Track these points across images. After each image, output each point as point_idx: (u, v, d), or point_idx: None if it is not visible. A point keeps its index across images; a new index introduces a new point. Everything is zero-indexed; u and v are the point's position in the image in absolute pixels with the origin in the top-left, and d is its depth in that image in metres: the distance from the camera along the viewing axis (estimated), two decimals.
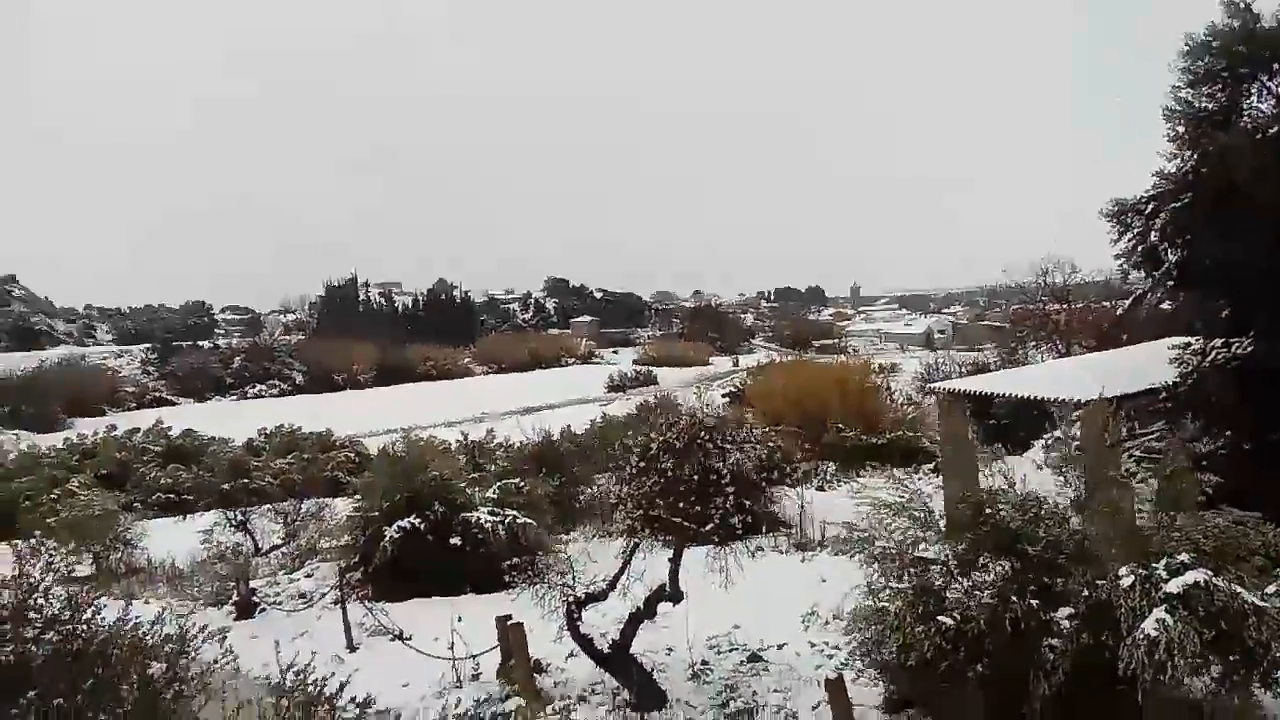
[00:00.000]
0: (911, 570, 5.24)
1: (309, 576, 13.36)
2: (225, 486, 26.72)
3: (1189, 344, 9.14)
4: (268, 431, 36.02)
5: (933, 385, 16.51)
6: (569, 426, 27.74)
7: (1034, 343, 32.76)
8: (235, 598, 11.81)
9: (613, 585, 7.36)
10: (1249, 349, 8.01)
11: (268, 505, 22.07)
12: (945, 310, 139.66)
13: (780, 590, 10.46)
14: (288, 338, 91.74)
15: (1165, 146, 8.91)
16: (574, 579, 7.39)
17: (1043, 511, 5.08)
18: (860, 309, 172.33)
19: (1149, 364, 11.13)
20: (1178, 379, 9.15)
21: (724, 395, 40.72)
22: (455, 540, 11.65)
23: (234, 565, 12.54)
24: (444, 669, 8.30)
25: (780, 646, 8.93)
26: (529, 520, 12.17)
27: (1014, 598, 4.63)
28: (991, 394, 12.74)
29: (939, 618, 4.65)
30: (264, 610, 11.66)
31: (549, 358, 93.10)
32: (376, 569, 11.60)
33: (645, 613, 7.36)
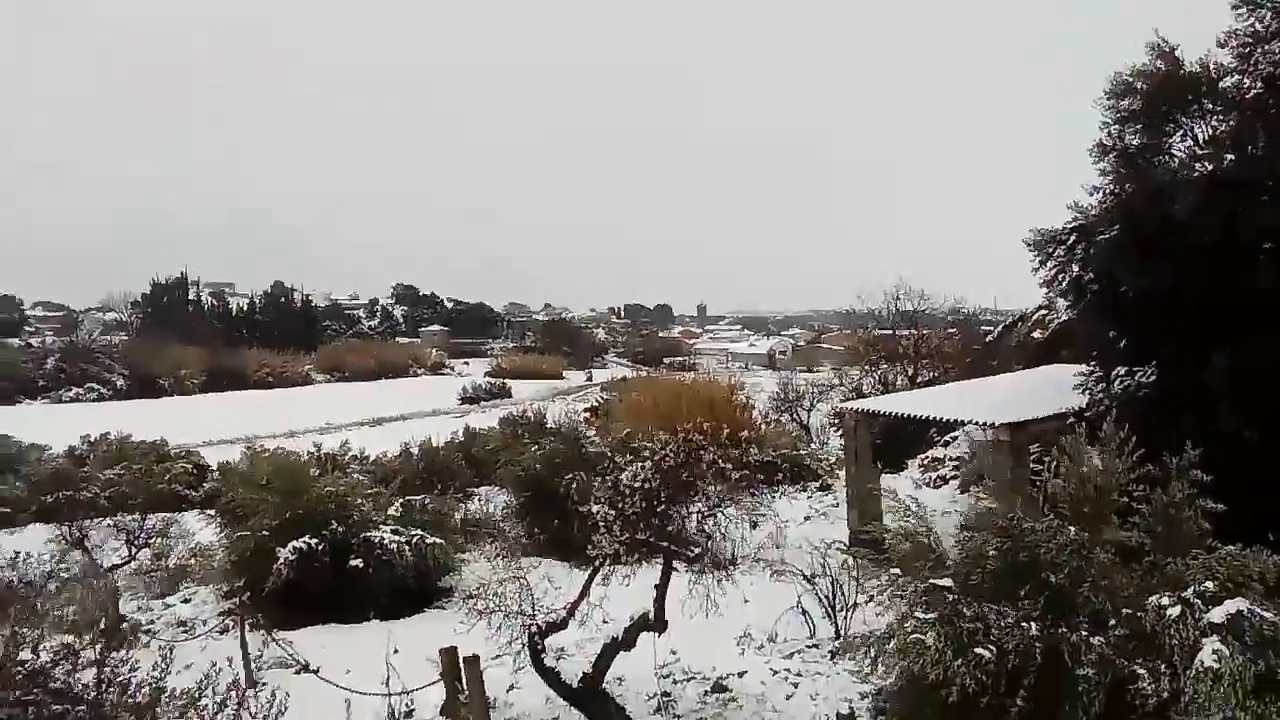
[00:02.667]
0: (926, 599, 5.18)
1: (186, 602, 12.21)
2: (47, 498, 24.37)
3: (1092, 371, 9.82)
4: (92, 439, 33.02)
5: (843, 405, 16.96)
6: (432, 438, 26.97)
7: (885, 366, 34.38)
8: (104, 624, 10.64)
9: (571, 613, 7.00)
10: (1152, 378, 8.69)
11: (103, 520, 20.23)
12: (785, 332, 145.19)
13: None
14: (108, 338, 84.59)
15: (1080, 179, 9.50)
16: (532, 605, 6.98)
17: (1064, 539, 5.14)
18: (706, 328, 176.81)
19: (1044, 390, 11.89)
20: (1084, 406, 9.75)
21: (585, 410, 40.71)
22: (356, 562, 10.90)
23: (100, 588, 11.31)
24: (375, 706, 7.66)
25: (741, 675, 8.68)
26: (438, 540, 11.56)
27: (1058, 628, 4.67)
28: (908, 415, 13.20)
29: (976, 650, 4.61)
30: (140, 639, 10.55)
31: (397, 367, 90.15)
32: (266, 594, 10.67)
33: (624, 644, 7.02)
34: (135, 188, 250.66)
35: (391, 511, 12.15)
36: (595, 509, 6.78)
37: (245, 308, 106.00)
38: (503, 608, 6.87)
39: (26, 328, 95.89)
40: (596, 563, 7.05)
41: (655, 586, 7.19)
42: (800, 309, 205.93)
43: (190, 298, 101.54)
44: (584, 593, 7.05)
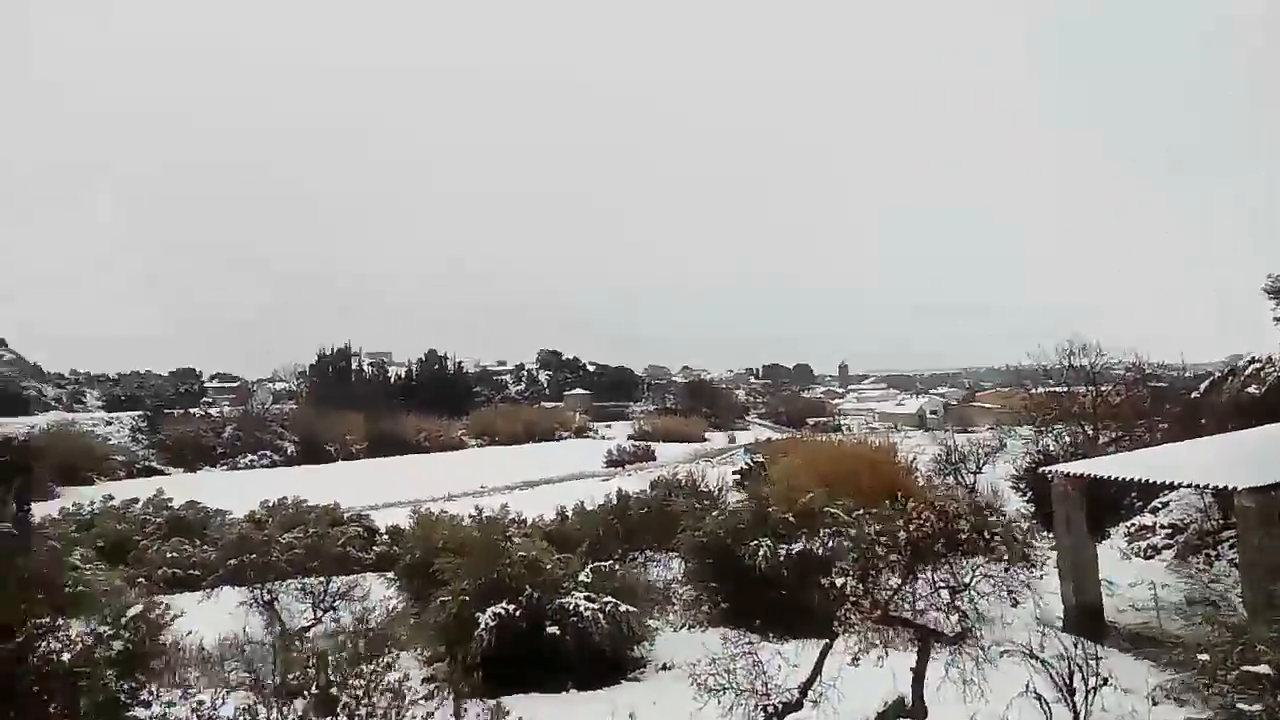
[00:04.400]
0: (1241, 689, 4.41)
1: (389, 668, 12.21)
2: (232, 561, 25.57)
3: None
4: (270, 504, 34.75)
5: (1053, 469, 15.66)
6: (584, 501, 26.92)
7: (1060, 426, 32.16)
8: (315, 690, 10.70)
9: (804, 692, 6.45)
10: None
11: (289, 581, 20.98)
12: (934, 391, 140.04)
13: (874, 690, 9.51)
14: (279, 407, 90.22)
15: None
16: (765, 682, 6.46)
17: None
18: (849, 387, 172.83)
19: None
20: None
21: (734, 473, 39.91)
22: (552, 629, 10.67)
23: (312, 653, 11.45)
24: None
25: None
26: (630, 608, 11.22)
27: None
28: (1137, 480, 12.05)
29: None
30: (346, 704, 10.51)
31: (543, 431, 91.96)
32: (470, 661, 10.52)
33: None
34: (298, 264, 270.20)
35: (582, 578, 11.90)
36: (841, 581, 6.23)
37: (402, 376, 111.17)
38: (733, 685, 6.36)
39: (205, 399, 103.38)
40: (831, 639, 6.46)
41: (912, 669, 6.52)
42: (948, 366, 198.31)
43: (353, 367, 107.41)
44: (816, 670, 6.47)
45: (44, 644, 4.86)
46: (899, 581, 6.24)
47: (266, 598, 18.51)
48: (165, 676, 13.11)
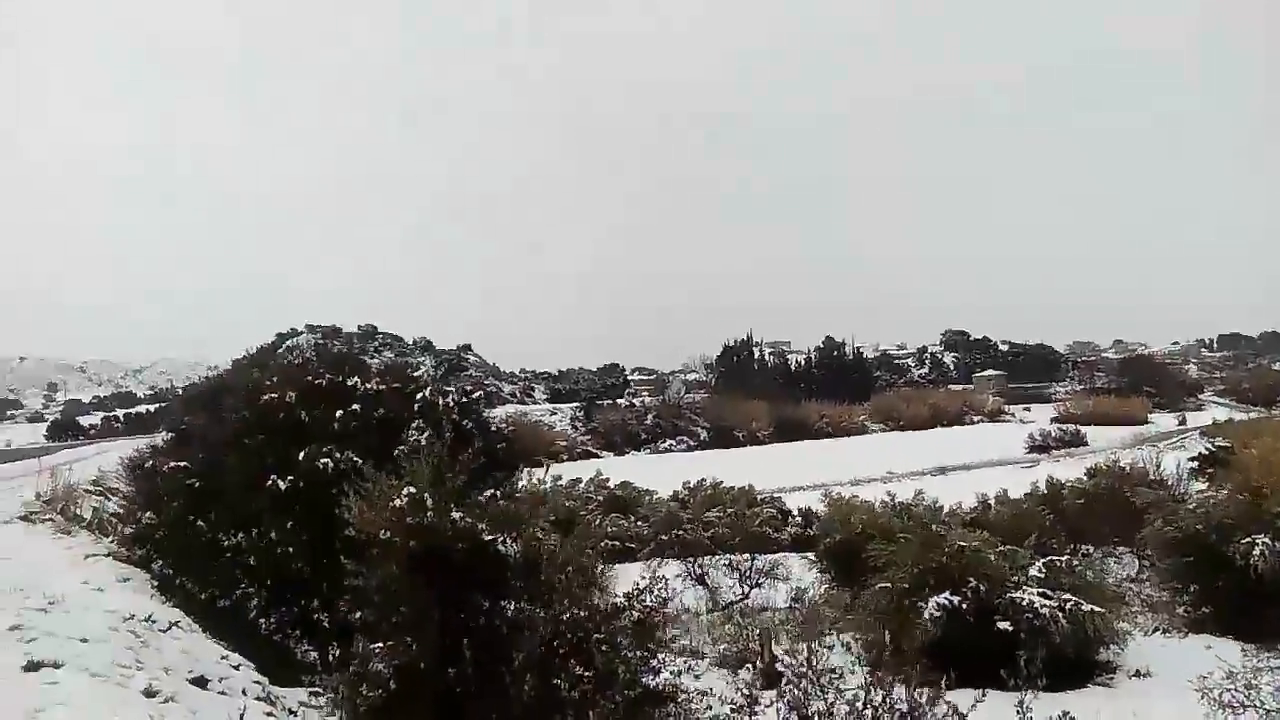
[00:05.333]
0: None
1: (830, 649, 12.36)
2: (663, 537, 27.56)
3: None
4: (690, 485, 36.94)
5: None
6: (1007, 489, 24.88)
7: None
8: (759, 664, 11.09)
9: None
10: None
11: (715, 557, 22.04)
12: None
13: None
14: (690, 396, 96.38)
15: None
16: None
17: None
18: None
19: None
20: None
21: (1191, 460, 34.44)
22: (1004, 625, 9.88)
23: (759, 626, 11.94)
24: None
25: None
26: (1096, 608, 10.01)
27: None
28: None
29: None
30: (789, 682, 10.70)
31: (951, 415, 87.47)
32: (908, 650, 10.12)
33: None
34: (701, 265, 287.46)
35: (1034, 572, 10.83)
36: None
37: (801, 363, 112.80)
38: (1257, 704, 5.23)
39: (628, 390, 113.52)
40: None
41: None
42: None
43: (755, 356, 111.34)
44: None
45: (575, 610, 5.38)
46: None
47: (699, 571, 19.58)
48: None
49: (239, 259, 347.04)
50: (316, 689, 8.61)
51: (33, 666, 5.82)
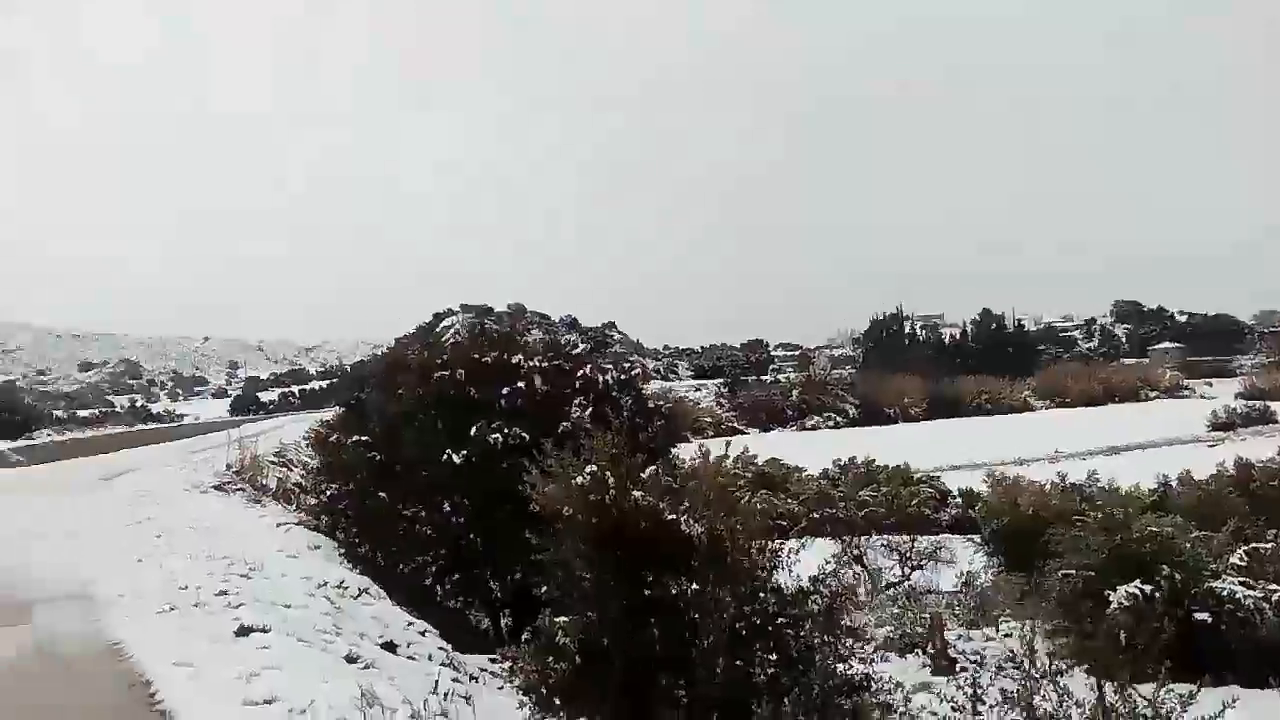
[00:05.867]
0: None
1: (1007, 636, 11.82)
2: (814, 515, 27.16)
3: None
4: (841, 463, 36.22)
5: None
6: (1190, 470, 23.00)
7: None
8: (931, 649, 10.74)
9: None
10: None
11: (872, 537, 21.51)
12: None
13: None
14: (838, 372, 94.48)
15: None
16: None
17: None
18: None
19: None
20: None
21: None
22: (1203, 616, 9.13)
23: (928, 609, 11.59)
24: None
25: None
26: None
27: None
28: None
29: None
30: (963, 670, 10.28)
31: (1124, 390, 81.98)
32: (1095, 639, 9.50)
33: None
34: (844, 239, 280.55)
35: (1235, 560, 9.95)
36: None
37: (956, 337, 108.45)
38: None
39: (772, 366, 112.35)
40: None
41: None
42: None
43: (905, 331, 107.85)
44: None
45: (761, 593, 5.32)
46: None
47: (856, 552, 19.14)
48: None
49: (389, 243, 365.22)
50: (495, 656, 8.90)
51: (243, 631, 6.25)
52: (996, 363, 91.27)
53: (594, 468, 5.49)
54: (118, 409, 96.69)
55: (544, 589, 6.09)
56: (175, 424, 68.89)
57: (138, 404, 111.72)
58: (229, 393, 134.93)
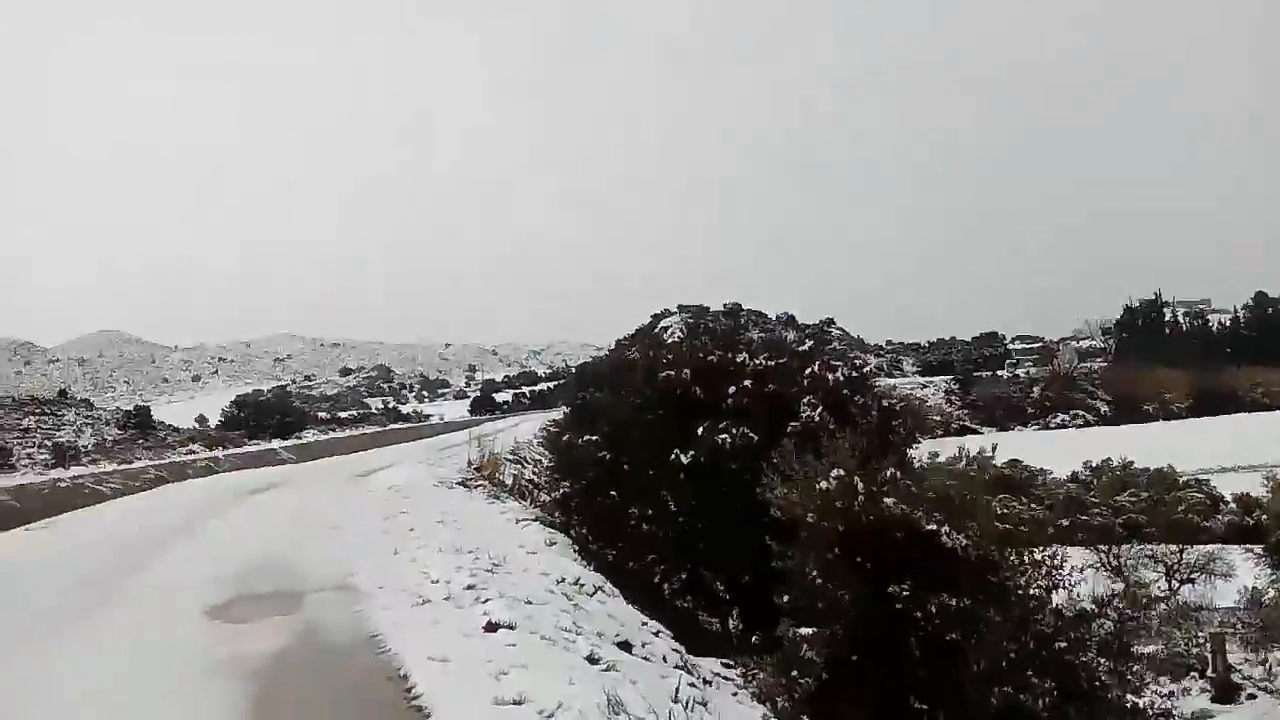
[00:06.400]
0: None
1: None
2: (1064, 521, 25.04)
3: None
4: (1093, 465, 33.23)
5: None
6: None
7: None
8: (1211, 673, 9.52)
9: None
10: None
11: (1131, 547, 19.56)
12: None
13: None
14: (1085, 365, 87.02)
15: None
16: None
17: None
18: None
19: None
20: None
21: None
22: None
23: (1205, 628, 10.31)
24: None
25: None
26: None
27: None
28: None
29: None
30: (1253, 697, 9.02)
31: None
32: None
33: None
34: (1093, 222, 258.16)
35: None
36: None
37: (1225, 324, 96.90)
38: None
39: (1009, 360, 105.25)
40: None
41: None
42: None
43: (1165, 319, 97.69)
44: None
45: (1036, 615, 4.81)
46: None
47: (1113, 562, 17.43)
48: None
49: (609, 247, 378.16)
50: (728, 660, 8.71)
51: (491, 627, 6.38)
52: (1276, 352, 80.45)
53: (840, 472, 5.12)
54: (372, 410, 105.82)
55: (785, 597, 5.79)
56: (421, 423, 74.45)
57: (389, 405, 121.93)
58: (468, 394, 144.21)
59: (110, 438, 35.28)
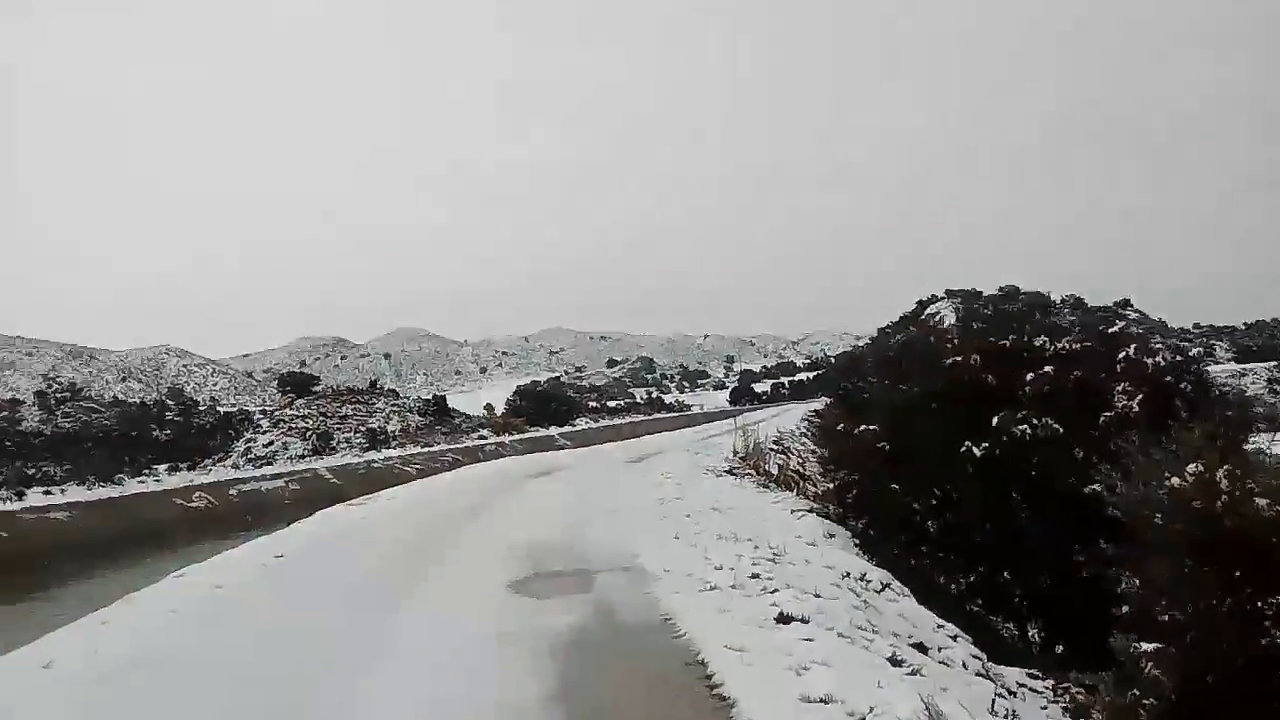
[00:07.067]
0: None
1: None
2: None
3: None
4: None
5: None
6: None
7: None
8: None
9: None
10: None
11: None
12: None
13: None
14: None
15: None
16: None
17: None
18: None
19: None
20: None
21: None
22: None
23: None
24: None
25: None
26: None
27: None
28: None
29: None
30: None
31: None
32: None
33: None
34: None
35: None
36: None
37: None
38: None
39: None
40: None
41: None
42: None
43: None
44: None
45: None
46: None
47: None
48: None
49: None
50: (1033, 671, 7.97)
51: (783, 619, 6.19)
52: None
53: (1198, 466, 4.40)
54: (637, 400, 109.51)
55: (1124, 608, 5.10)
56: (682, 413, 76.04)
57: (652, 395, 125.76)
58: (726, 384, 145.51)
59: (413, 424, 39.07)
